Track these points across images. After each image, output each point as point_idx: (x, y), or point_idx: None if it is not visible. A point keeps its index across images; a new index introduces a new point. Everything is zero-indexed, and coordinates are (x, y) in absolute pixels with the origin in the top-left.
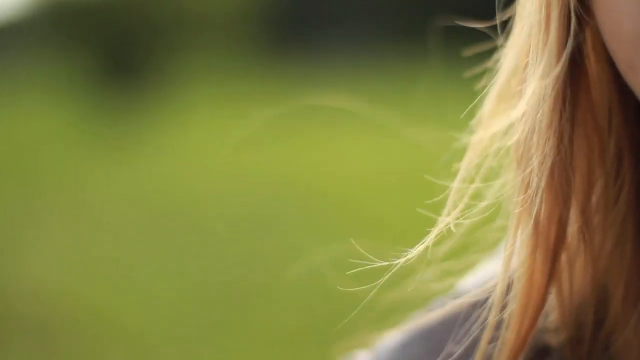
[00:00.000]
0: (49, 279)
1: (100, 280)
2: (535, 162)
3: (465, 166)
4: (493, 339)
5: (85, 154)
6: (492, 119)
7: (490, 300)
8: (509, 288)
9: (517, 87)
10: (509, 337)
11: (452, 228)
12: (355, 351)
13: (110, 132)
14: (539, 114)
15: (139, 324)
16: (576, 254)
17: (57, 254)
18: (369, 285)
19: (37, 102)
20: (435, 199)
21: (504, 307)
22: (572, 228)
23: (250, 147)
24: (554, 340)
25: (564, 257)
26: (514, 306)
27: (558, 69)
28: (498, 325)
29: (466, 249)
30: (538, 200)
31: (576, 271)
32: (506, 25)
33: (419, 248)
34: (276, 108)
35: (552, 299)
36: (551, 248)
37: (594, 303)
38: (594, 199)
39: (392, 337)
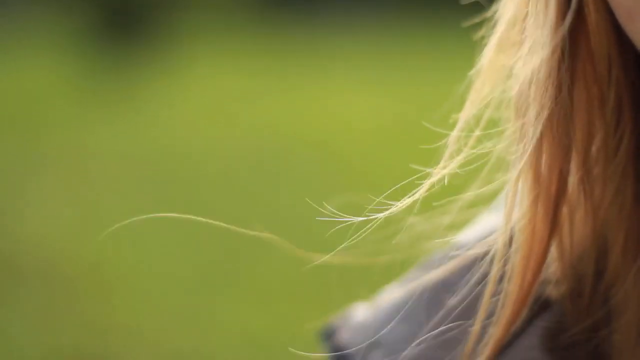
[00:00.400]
0: (49, 232)
1: (100, 234)
2: (533, 112)
3: (464, 117)
4: (495, 293)
5: (85, 108)
6: (491, 69)
7: (491, 254)
8: (510, 241)
9: (517, 37)
10: (511, 290)
11: (446, 180)
12: (355, 304)
13: (110, 86)
14: (537, 64)
15: (139, 277)
16: (576, 205)
17: (56, 208)
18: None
19: (35, 56)
20: (433, 148)
21: (506, 260)
22: (573, 179)
23: (250, 100)
24: (554, 292)
25: (564, 209)
26: (516, 258)
27: (556, 19)
28: (500, 279)
29: (465, 203)
30: (538, 151)
31: (576, 223)
32: None
33: (409, 199)
34: (276, 63)
35: (552, 250)
36: (552, 199)
37: (594, 255)
38: (594, 150)
39: (391, 291)
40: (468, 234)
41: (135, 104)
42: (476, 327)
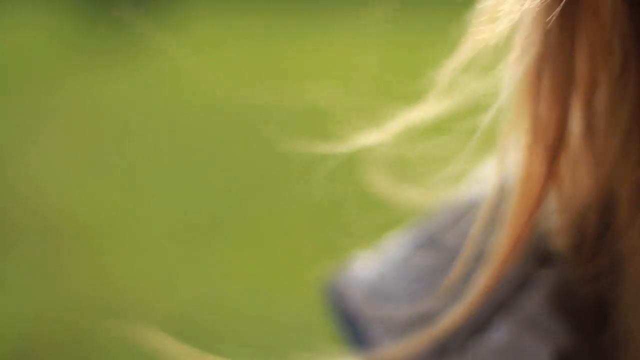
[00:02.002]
0: (50, 187)
1: (105, 190)
2: (533, 55)
3: (458, 58)
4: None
5: (86, 62)
6: (492, 11)
7: (483, 201)
8: (502, 189)
9: None
10: (502, 237)
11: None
12: (360, 252)
13: (112, 39)
14: (537, 4)
15: (145, 227)
16: (579, 156)
17: (57, 163)
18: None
19: (35, 11)
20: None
21: (496, 208)
22: (575, 130)
23: (253, 52)
24: (555, 245)
25: (566, 160)
26: (509, 206)
27: None
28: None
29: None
30: (535, 95)
31: (579, 174)
32: None
33: (390, 128)
34: (281, 18)
35: (554, 203)
36: (549, 145)
37: (597, 207)
38: (597, 100)
39: (397, 243)
40: (482, 181)
41: (137, 58)
42: (455, 274)
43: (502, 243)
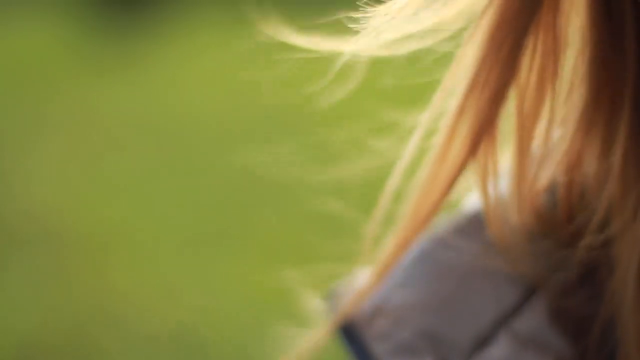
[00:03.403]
0: (51, 196)
1: (106, 199)
2: (482, 49)
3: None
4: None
5: (88, 71)
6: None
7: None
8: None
9: None
10: (406, 211)
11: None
12: (364, 266)
13: (115, 51)
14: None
15: (144, 236)
16: (545, 149)
17: (59, 171)
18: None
19: (38, 19)
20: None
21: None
22: (550, 126)
23: (255, 65)
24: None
25: (489, 147)
26: (420, 176)
27: None
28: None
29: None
30: (474, 74)
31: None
32: None
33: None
34: (281, 27)
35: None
36: (475, 130)
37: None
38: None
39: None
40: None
41: (137, 67)
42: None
43: (404, 216)
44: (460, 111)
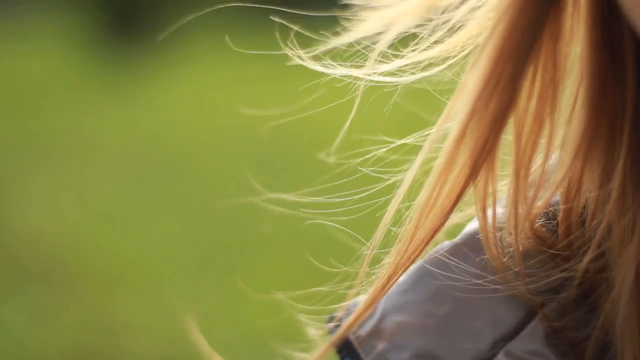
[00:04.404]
0: (51, 225)
1: (101, 224)
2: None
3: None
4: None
5: (88, 100)
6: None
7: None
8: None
9: None
10: (405, 232)
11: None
12: (360, 295)
13: (112, 78)
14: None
15: (139, 270)
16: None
17: (58, 200)
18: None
19: (39, 50)
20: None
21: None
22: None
23: (246, 93)
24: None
25: (488, 165)
26: (419, 200)
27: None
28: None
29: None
30: (464, 116)
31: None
32: None
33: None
34: (275, 58)
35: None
36: (476, 152)
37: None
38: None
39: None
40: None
41: (136, 97)
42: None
43: (409, 234)
44: (461, 136)
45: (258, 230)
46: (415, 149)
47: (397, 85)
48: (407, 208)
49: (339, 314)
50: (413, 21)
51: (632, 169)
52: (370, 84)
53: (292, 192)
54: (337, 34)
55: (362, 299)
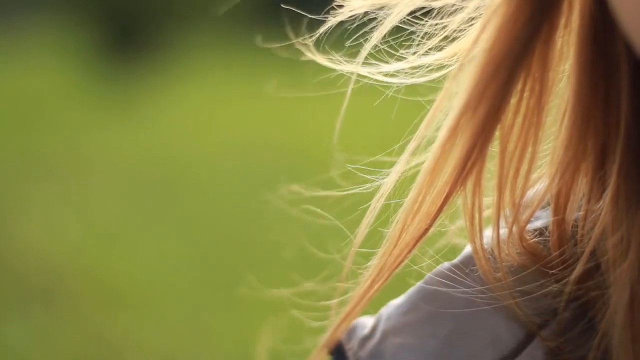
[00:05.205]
0: (50, 241)
1: (102, 242)
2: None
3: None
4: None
5: (88, 117)
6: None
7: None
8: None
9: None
10: (390, 236)
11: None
12: (360, 318)
13: (113, 95)
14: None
15: (140, 288)
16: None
17: (59, 216)
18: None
19: (40, 66)
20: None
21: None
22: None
23: (243, 110)
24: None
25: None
26: (402, 211)
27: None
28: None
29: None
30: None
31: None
32: None
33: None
34: (275, 78)
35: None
36: (460, 162)
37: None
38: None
39: (394, 304)
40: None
41: (136, 114)
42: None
43: (394, 238)
44: (448, 142)
45: (259, 246)
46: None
47: (392, 88)
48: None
49: (341, 337)
50: (407, 8)
51: (625, 186)
52: (369, 82)
53: (291, 210)
54: (331, 9)
55: (363, 320)
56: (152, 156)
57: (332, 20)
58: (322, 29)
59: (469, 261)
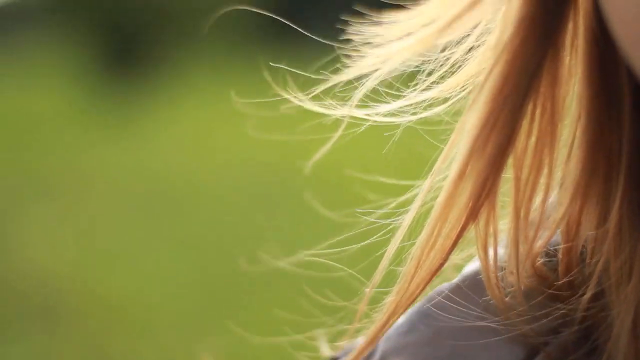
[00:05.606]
0: (50, 261)
1: (101, 262)
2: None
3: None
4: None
5: (87, 136)
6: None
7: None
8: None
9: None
10: (406, 272)
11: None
12: (359, 337)
13: (111, 114)
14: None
15: (140, 308)
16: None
17: (58, 235)
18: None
19: (40, 85)
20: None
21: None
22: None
23: (242, 130)
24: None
25: (489, 208)
26: (420, 240)
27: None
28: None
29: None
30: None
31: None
32: None
33: (411, 211)
34: (274, 96)
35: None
36: (476, 191)
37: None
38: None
39: (395, 324)
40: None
41: (136, 133)
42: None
43: (409, 274)
44: (460, 176)
45: (259, 268)
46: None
47: (397, 125)
48: (410, 247)
49: (337, 354)
50: (411, 58)
51: (628, 208)
52: (373, 123)
53: (291, 228)
54: (336, 70)
55: (361, 339)
56: (151, 174)
57: (344, 76)
58: (324, 86)
59: (469, 282)
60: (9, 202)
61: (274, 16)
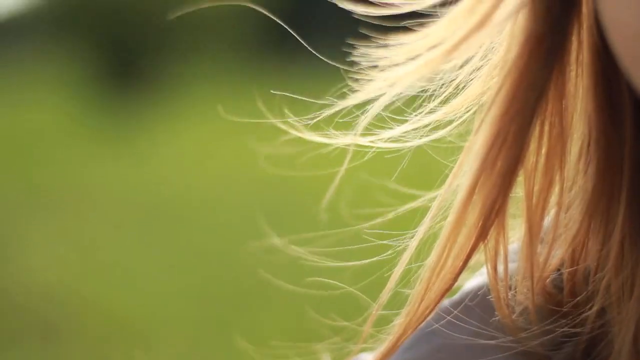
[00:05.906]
0: (51, 275)
1: (102, 277)
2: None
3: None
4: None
5: (88, 150)
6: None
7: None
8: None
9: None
10: (415, 292)
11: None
12: (361, 354)
13: (112, 129)
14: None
15: (141, 321)
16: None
17: (58, 249)
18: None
19: (41, 101)
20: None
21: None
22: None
23: (241, 144)
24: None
25: (499, 226)
26: (429, 262)
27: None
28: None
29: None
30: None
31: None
32: None
33: (419, 232)
34: (275, 109)
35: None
36: (486, 209)
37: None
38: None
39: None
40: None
41: (136, 148)
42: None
43: (415, 297)
44: (470, 196)
45: (258, 282)
46: (423, 209)
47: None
48: (418, 268)
49: None
50: (416, 82)
51: (630, 225)
52: (377, 149)
53: (293, 242)
54: (342, 95)
55: (365, 356)
56: (151, 188)
57: (343, 104)
58: (328, 112)
59: (471, 299)
60: (10, 215)
61: (276, 32)
